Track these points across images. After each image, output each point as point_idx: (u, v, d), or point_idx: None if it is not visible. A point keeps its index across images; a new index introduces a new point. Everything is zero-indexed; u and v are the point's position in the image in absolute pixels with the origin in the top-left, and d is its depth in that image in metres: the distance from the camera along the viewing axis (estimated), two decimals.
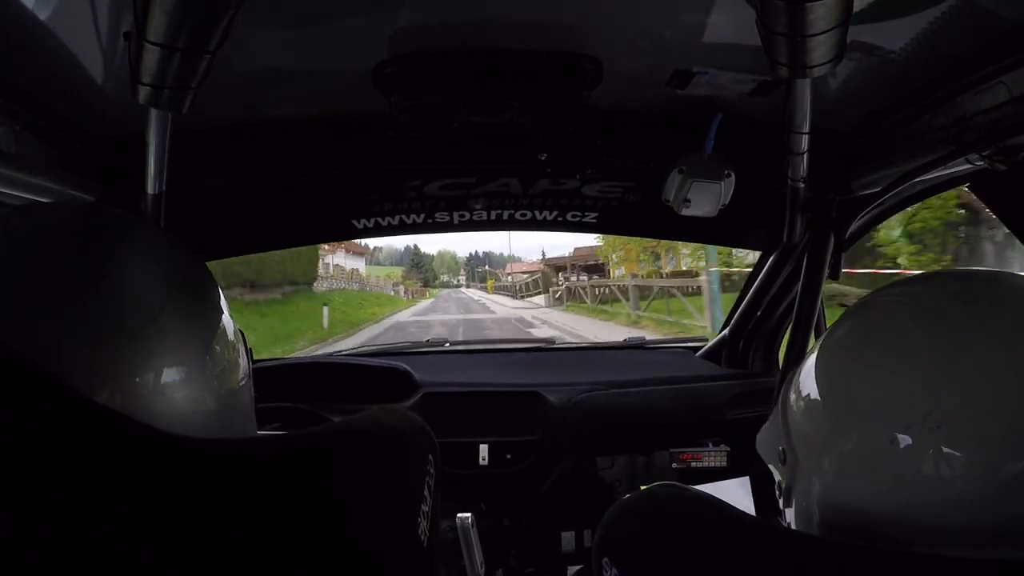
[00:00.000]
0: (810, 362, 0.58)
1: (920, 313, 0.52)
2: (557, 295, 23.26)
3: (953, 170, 0.98)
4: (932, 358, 0.49)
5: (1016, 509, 0.45)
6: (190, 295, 0.55)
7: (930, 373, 0.48)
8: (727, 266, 11.02)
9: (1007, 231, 1.16)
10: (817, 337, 1.47)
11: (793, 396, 0.59)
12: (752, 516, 0.53)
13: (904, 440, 0.48)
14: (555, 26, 0.90)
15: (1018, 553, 0.44)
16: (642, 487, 1.39)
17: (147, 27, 0.61)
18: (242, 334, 0.62)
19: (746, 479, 1.39)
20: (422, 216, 1.51)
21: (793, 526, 0.60)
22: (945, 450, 0.46)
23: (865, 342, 0.55)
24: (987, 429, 0.46)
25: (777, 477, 0.63)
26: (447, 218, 1.53)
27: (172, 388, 0.51)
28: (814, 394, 0.56)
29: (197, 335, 0.54)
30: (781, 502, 0.62)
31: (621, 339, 2.22)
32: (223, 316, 0.58)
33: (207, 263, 0.62)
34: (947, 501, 0.46)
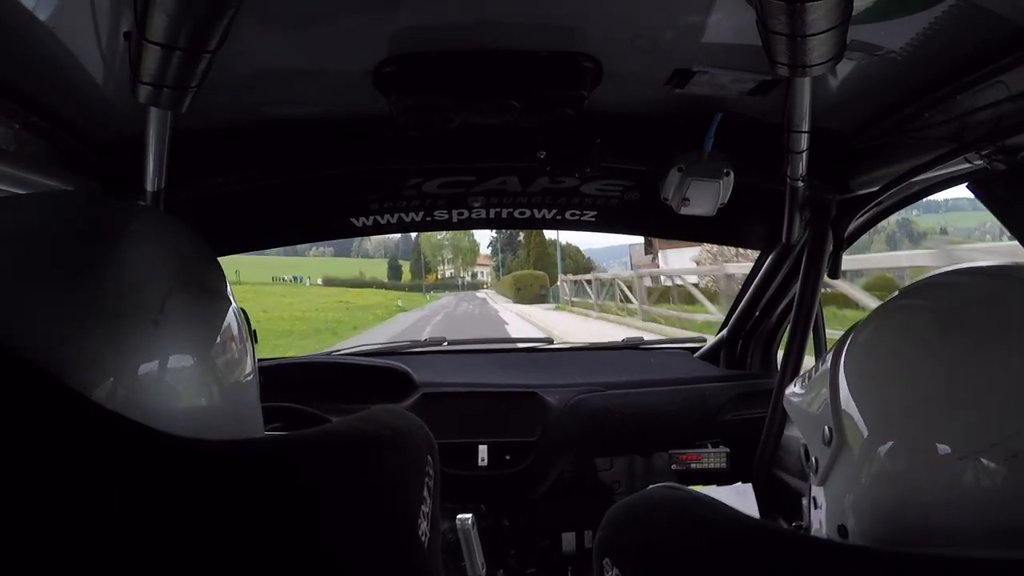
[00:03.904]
0: (853, 363, 0.58)
1: (942, 320, 0.53)
2: None
3: (952, 169, 0.99)
4: (951, 365, 0.49)
5: None
6: (197, 285, 0.54)
7: (948, 378, 0.49)
8: None
9: None
10: (815, 338, 1.47)
11: (842, 394, 0.58)
12: (752, 517, 0.53)
13: (939, 447, 0.48)
14: (555, 26, 0.90)
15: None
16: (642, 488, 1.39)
17: (147, 27, 0.61)
18: (250, 327, 0.61)
19: (748, 486, 1.39)
20: (421, 214, 1.51)
21: (823, 506, 0.61)
22: (983, 462, 0.47)
23: (888, 351, 0.55)
24: (1010, 429, 0.46)
25: (814, 455, 0.62)
26: (446, 216, 1.53)
27: (178, 380, 0.50)
28: (863, 401, 0.56)
29: (204, 326, 0.53)
30: (815, 479, 0.62)
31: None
32: (231, 307, 0.57)
33: None
34: (985, 504, 0.47)
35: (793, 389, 0.70)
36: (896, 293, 0.60)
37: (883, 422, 0.53)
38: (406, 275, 64.95)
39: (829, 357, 0.61)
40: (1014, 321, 0.50)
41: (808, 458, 0.63)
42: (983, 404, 0.48)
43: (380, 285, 54.43)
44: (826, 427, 0.59)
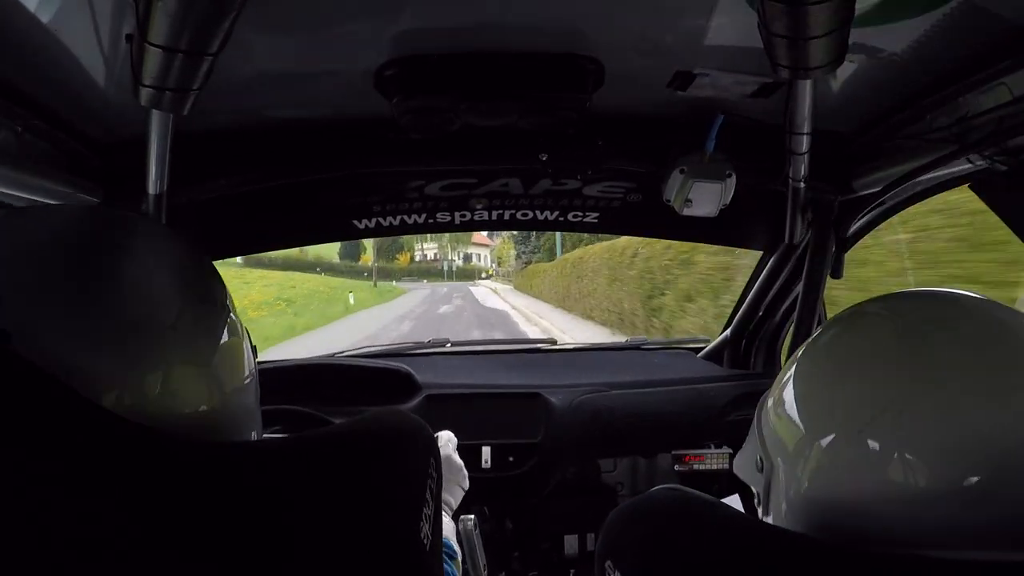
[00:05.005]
0: (789, 370, 0.60)
1: (902, 331, 0.54)
2: None
3: (954, 170, 0.99)
4: (903, 371, 0.51)
5: (984, 513, 0.46)
6: (202, 297, 0.56)
7: (899, 383, 0.51)
8: None
9: None
10: None
11: (770, 403, 0.61)
12: (754, 518, 0.53)
13: (871, 441, 0.50)
14: (557, 28, 0.90)
15: (992, 554, 0.46)
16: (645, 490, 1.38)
17: (149, 29, 0.61)
18: (246, 332, 0.62)
19: (735, 497, 1.39)
20: (423, 216, 1.51)
21: None
22: (908, 456, 0.48)
23: (845, 352, 0.57)
24: (947, 441, 0.47)
25: (755, 488, 0.64)
26: (448, 218, 1.53)
27: (179, 387, 0.51)
28: (791, 398, 0.58)
29: (208, 336, 0.54)
30: (760, 511, 0.63)
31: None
32: (231, 315, 0.58)
33: None
34: (910, 502, 0.48)
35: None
36: (860, 303, 0.62)
37: (824, 417, 0.54)
38: (368, 254, 43.25)
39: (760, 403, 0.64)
40: (960, 342, 0.51)
41: (757, 500, 0.64)
42: (923, 411, 0.49)
43: (328, 268, 37.88)
44: (757, 457, 0.62)
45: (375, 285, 31.95)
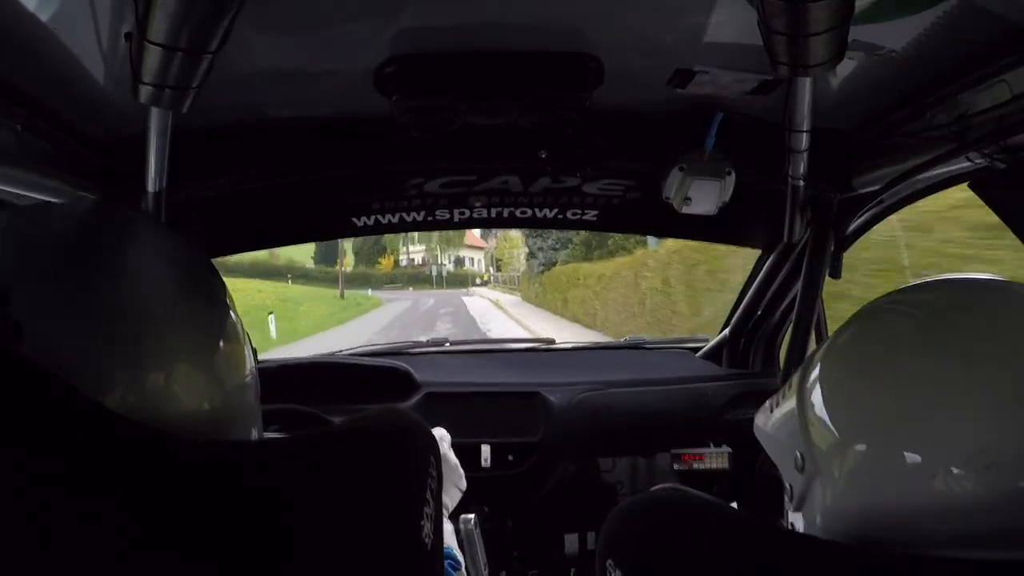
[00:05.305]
0: (829, 365, 0.57)
1: (928, 322, 0.52)
2: None
3: (954, 168, 0.99)
4: (937, 368, 0.48)
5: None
6: (203, 295, 0.55)
7: (936, 381, 0.48)
8: None
9: None
10: (818, 337, 1.47)
11: (812, 402, 0.57)
12: (754, 518, 0.53)
13: (909, 449, 0.47)
14: (556, 27, 0.90)
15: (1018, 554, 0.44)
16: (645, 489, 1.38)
17: (148, 28, 0.61)
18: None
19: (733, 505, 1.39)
20: (422, 214, 1.51)
21: (800, 530, 0.59)
22: (955, 471, 0.46)
23: (882, 353, 0.53)
24: (1000, 449, 0.45)
25: (787, 481, 0.61)
26: (447, 216, 1.53)
27: (181, 386, 0.50)
28: (820, 403, 0.55)
29: (206, 333, 0.54)
30: (791, 505, 0.61)
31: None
32: (230, 312, 0.57)
33: None
34: (956, 511, 0.46)
35: (761, 416, 0.68)
36: (881, 297, 0.59)
37: (856, 425, 0.52)
38: (347, 258, 37.20)
39: (797, 377, 0.60)
40: (997, 332, 0.49)
41: (790, 496, 0.61)
42: (963, 412, 0.46)
43: (300, 274, 33.41)
44: (798, 453, 0.58)
45: (342, 296, 26.10)
